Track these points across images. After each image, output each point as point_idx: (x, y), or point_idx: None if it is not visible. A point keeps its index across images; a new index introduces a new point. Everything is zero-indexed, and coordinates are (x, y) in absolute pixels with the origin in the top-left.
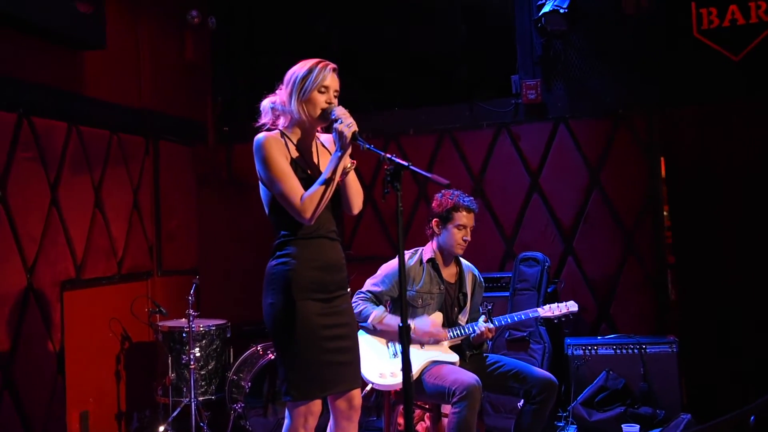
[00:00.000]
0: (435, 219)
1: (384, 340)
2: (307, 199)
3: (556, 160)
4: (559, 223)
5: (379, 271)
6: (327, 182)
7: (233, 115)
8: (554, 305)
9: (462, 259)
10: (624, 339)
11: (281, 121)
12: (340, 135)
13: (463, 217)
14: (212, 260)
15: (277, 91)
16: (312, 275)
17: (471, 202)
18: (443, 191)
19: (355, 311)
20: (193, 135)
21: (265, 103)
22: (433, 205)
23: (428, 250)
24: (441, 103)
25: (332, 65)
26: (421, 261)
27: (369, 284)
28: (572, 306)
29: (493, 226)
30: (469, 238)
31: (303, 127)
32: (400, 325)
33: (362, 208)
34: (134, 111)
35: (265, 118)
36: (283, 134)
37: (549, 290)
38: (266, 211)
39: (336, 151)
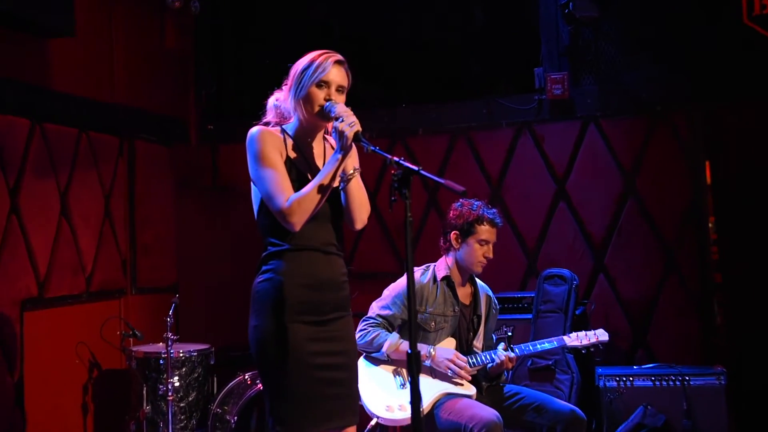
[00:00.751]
0: (454, 232)
1: (390, 369)
2: (295, 201)
3: (585, 164)
4: (588, 235)
5: (385, 293)
6: (321, 186)
7: (219, 111)
8: (582, 334)
9: (477, 279)
10: (664, 369)
11: (289, 121)
12: (340, 135)
13: (487, 232)
14: (194, 277)
15: (283, 87)
16: (300, 294)
17: (495, 215)
18: (462, 200)
19: (364, 340)
20: (174, 134)
21: (271, 101)
22: (451, 215)
23: (442, 267)
24: (454, 99)
25: (336, 57)
26: (434, 279)
27: (377, 308)
28: (602, 335)
29: (514, 239)
30: (491, 255)
31: (306, 127)
32: (409, 351)
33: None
34: (106, 106)
35: (269, 117)
36: (284, 131)
37: (577, 312)
38: (255, 216)
39: (335, 152)
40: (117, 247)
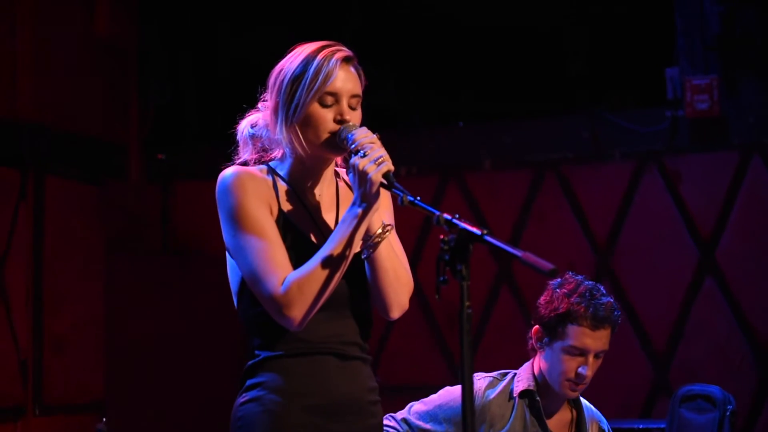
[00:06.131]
0: (537, 326)
1: None
2: (294, 283)
3: (746, 218)
4: (752, 332)
5: (433, 396)
6: (333, 258)
7: (175, 131)
8: None
9: (583, 400)
10: None
11: (276, 154)
12: (361, 176)
13: (581, 335)
14: (132, 389)
15: (260, 104)
16: (307, 422)
17: (605, 307)
18: (567, 276)
19: None
20: (106, 166)
21: (243, 127)
22: (541, 300)
23: (525, 376)
24: (540, 115)
25: (342, 52)
26: (510, 394)
27: (411, 412)
28: None
29: (633, 335)
30: (588, 372)
31: (307, 164)
32: None
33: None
34: (3, 124)
35: (245, 154)
36: (272, 171)
37: None
38: (234, 302)
39: (353, 204)
40: (13, 340)
